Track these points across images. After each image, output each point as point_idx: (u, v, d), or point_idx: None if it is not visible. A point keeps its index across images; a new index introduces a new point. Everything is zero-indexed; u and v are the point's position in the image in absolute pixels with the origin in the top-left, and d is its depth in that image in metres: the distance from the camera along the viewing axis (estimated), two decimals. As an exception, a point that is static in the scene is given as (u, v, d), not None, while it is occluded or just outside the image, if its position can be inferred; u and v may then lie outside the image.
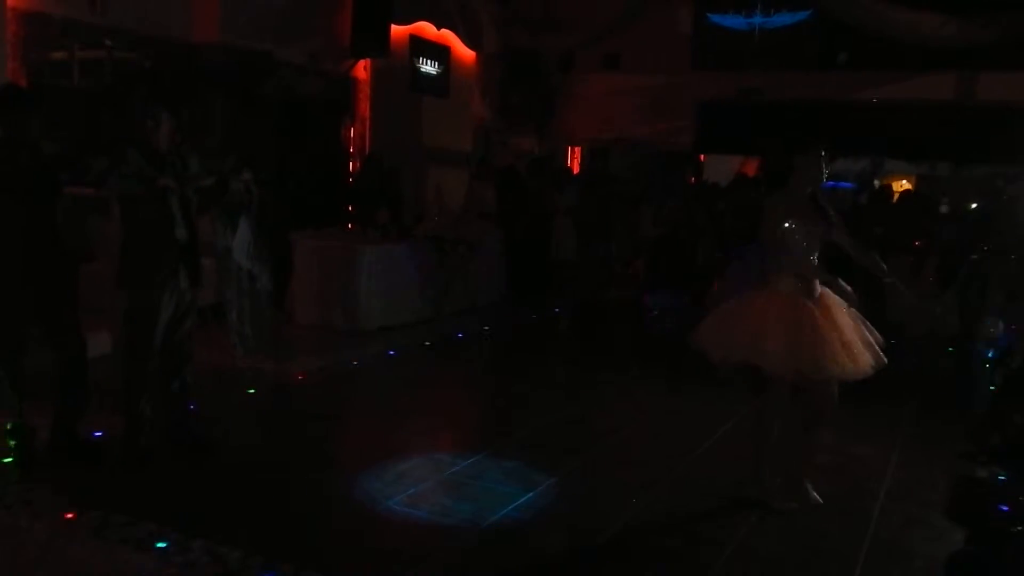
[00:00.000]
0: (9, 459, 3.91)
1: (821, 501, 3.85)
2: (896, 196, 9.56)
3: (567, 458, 4.46)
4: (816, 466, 4.35)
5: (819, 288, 3.76)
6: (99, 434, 4.28)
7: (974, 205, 8.60)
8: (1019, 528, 3.20)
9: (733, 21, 11.96)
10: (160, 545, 3.19)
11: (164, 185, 3.90)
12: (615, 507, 3.83)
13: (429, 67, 10.90)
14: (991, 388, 5.91)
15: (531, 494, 3.96)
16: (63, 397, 4.07)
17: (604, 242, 9.54)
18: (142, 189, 3.85)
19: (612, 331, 8.53)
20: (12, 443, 3.95)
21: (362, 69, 9.86)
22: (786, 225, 3.71)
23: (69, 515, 3.40)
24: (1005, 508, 3.85)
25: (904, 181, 11.95)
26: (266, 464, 4.25)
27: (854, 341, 3.64)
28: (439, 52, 11.08)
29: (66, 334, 4.05)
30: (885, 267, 3.88)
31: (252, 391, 5.39)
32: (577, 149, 13.61)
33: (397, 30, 9.89)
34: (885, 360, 3.69)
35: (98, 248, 5.59)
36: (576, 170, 13.16)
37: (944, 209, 9.31)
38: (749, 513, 3.81)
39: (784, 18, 11.66)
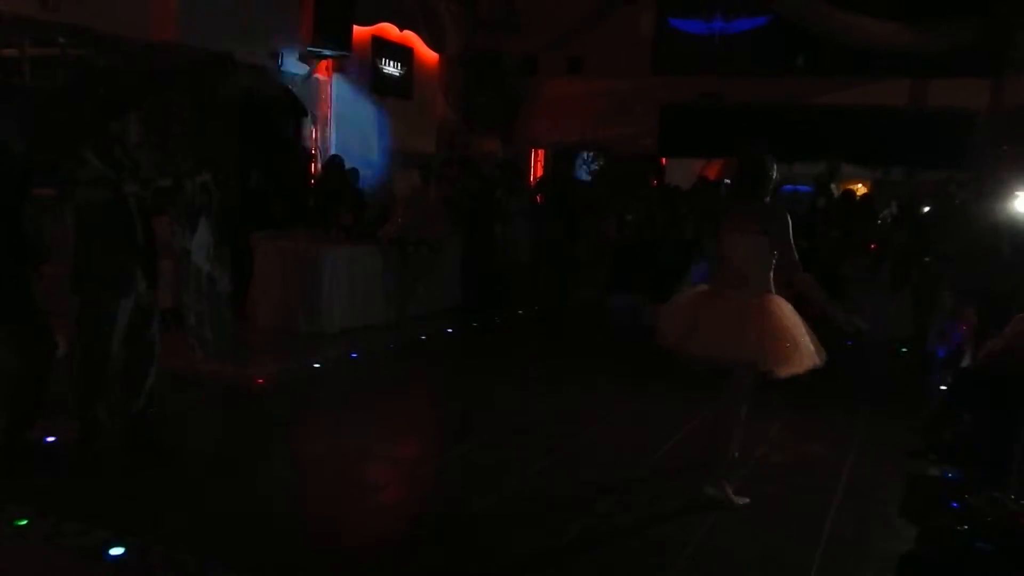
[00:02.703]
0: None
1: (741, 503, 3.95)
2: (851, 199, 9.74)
3: (530, 460, 4.48)
4: (772, 464, 4.47)
5: (765, 292, 3.88)
6: (52, 439, 4.19)
7: (926, 209, 8.80)
8: (967, 526, 3.28)
9: (694, 26, 12.10)
10: (116, 552, 3.14)
11: (130, 192, 3.84)
12: (578, 507, 3.86)
13: (392, 68, 10.87)
14: (942, 387, 6.06)
15: (494, 495, 3.97)
16: (17, 400, 3.99)
17: (568, 245, 9.57)
18: (109, 196, 3.79)
19: (575, 334, 8.57)
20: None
21: (324, 70, 9.79)
22: (722, 231, 3.97)
23: (21, 522, 3.32)
24: (955, 506, 3.94)
25: (860, 185, 12.19)
26: (225, 469, 4.21)
27: (789, 338, 3.78)
28: (402, 54, 11.05)
29: (33, 337, 3.97)
30: (820, 292, 3.93)
31: (211, 395, 5.32)
32: (541, 152, 13.65)
33: (359, 31, 9.84)
34: (819, 361, 3.82)
35: (51, 250, 5.49)
36: (540, 173, 13.20)
37: (893, 211, 9.50)
38: (709, 513, 3.86)
39: (744, 23, 11.83)
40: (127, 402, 4.15)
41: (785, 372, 3.79)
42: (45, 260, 4.65)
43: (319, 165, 9.73)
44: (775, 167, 3.99)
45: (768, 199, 4.00)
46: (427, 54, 11.61)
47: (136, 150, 3.98)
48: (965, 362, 6.02)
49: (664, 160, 12.99)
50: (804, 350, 3.78)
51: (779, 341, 3.78)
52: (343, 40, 9.38)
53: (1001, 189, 6.87)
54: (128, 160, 3.94)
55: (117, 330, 3.95)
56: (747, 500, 3.97)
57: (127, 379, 4.15)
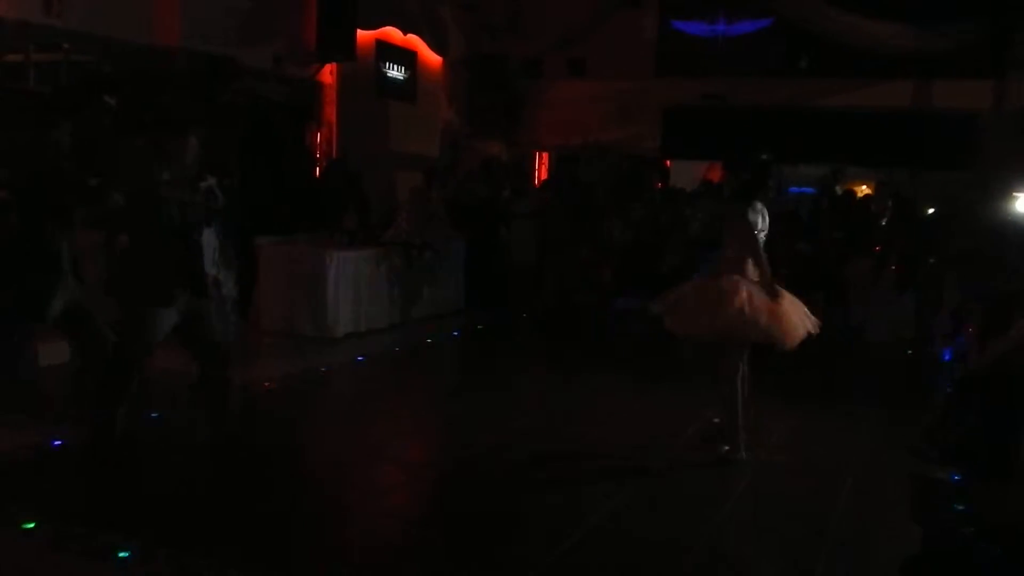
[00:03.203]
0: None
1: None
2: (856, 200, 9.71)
3: (535, 462, 4.49)
4: (776, 466, 4.49)
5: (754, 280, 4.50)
6: (59, 443, 4.21)
7: (931, 210, 8.78)
8: (972, 529, 3.27)
9: (696, 28, 12.08)
10: (123, 555, 3.15)
11: (174, 197, 3.90)
12: (581, 509, 3.86)
13: (396, 72, 10.88)
14: (947, 389, 6.04)
15: (498, 497, 3.98)
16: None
17: (573, 248, 9.57)
18: (151, 196, 3.86)
19: (581, 336, 8.58)
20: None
21: (328, 74, 9.81)
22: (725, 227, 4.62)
23: (28, 525, 3.34)
24: (959, 508, 3.94)
25: (864, 186, 12.17)
26: (232, 471, 4.22)
27: (783, 317, 4.42)
28: (406, 57, 11.06)
29: (79, 335, 4.32)
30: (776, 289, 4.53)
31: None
32: (545, 155, 13.66)
33: (363, 35, 9.85)
34: (813, 329, 4.51)
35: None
36: (544, 175, 13.21)
37: (889, 206, 9.44)
38: (713, 514, 3.87)
39: (746, 25, 11.81)
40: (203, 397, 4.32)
41: (785, 343, 4.41)
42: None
43: (323, 169, 9.74)
44: (772, 170, 4.63)
45: (758, 200, 4.55)
46: (431, 57, 11.63)
47: (188, 169, 4.02)
48: (970, 363, 6.00)
49: (668, 162, 12.99)
50: (798, 322, 4.45)
51: (778, 318, 4.40)
52: (347, 45, 9.40)
53: (1005, 190, 6.86)
54: (178, 173, 3.97)
55: (152, 338, 3.98)
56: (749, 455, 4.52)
57: (202, 375, 4.27)
